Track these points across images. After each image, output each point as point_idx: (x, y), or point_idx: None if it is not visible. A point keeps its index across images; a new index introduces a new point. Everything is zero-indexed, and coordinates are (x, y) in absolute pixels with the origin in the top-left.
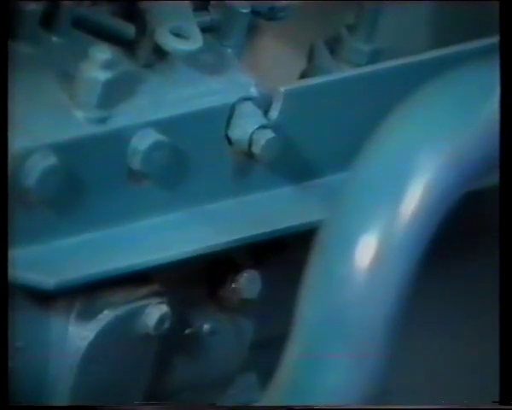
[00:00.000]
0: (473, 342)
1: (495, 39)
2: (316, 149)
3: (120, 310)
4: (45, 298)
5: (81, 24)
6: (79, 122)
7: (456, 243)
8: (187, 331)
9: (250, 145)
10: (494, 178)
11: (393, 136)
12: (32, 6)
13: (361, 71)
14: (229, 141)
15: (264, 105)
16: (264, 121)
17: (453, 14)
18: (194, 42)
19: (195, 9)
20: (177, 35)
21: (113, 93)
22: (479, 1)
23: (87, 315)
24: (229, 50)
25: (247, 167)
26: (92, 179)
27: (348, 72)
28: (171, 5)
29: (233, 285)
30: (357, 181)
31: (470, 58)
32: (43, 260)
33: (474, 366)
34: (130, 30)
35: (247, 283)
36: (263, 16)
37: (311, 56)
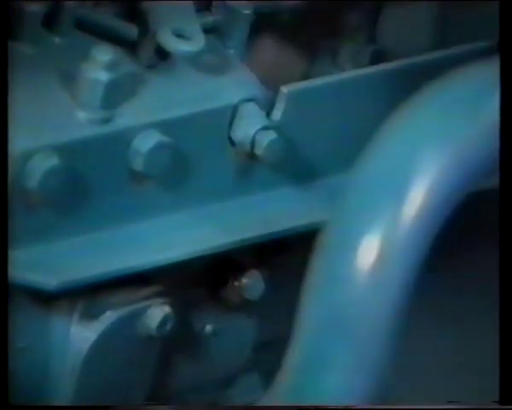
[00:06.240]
0: (473, 342)
1: (495, 40)
2: (318, 149)
3: (123, 311)
4: (47, 299)
5: (83, 25)
6: (82, 123)
7: (457, 243)
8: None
9: (253, 146)
10: (494, 179)
11: (396, 137)
12: (34, 7)
13: (363, 72)
14: (232, 142)
15: (267, 106)
16: (266, 122)
17: (454, 15)
18: (197, 43)
19: (198, 10)
20: (180, 36)
21: (116, 94)
22: (479, 1)
23: (89, 316)
24: (232, 51)
25: (249, 168)
26: (94, 180)
27: (350, 73)
28: (173, 6)
29: (235, 286)
30: (359, 182)
31: (471, 59)
32: (45, 261)
33: (474, 366)
34: (132, 31)
35: (250, 283)
36: (265, 17)
37: (313, 57)
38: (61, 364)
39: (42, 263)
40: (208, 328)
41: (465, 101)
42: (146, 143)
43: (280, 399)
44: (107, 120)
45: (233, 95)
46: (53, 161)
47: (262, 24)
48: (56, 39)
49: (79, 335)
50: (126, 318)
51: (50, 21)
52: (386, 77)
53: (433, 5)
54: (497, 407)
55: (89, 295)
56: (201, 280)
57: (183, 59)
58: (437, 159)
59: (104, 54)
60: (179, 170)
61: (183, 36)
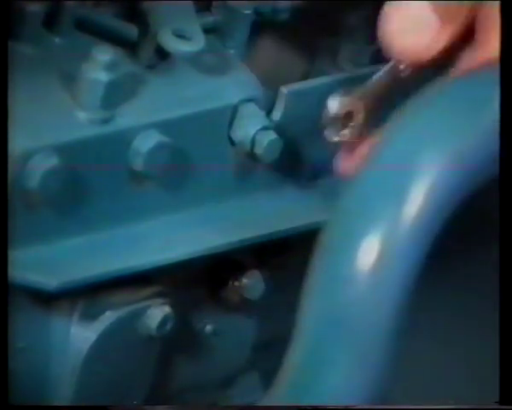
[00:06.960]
0: (473, 343)
1: None
2: (318, 149)
3: (123, 311)
4: (47, 299)
5: (83, 25)
6: (82, 123)
7: (457, 243)
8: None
9: (253, 146)
10: (494, 179)
11: (397, 137)
12: (35, 7)
13: (363, 71)
14: (232, 142)
15: (267, 106)
16: (266, 122)
17: None
18: (197, 43)
19: (198, 10)
20: (180, 36)
21: (116, 94)
22: (479, 1)
23: (89, 316)
24: (232, 51)
25: (249, 168)
26: (94, 180)
27: (350, 72)
28: (173, 6)
29: (235, 286)
30: (360, 182)
31: None
32: (45, 261)
33: (474, 366)
34: (132, 31)
35: (250, 283)
36: (265, 17)
37: (313, 57)
38: (61, 364)
39: (42, 263)
40: (208, 328)
41: (466, 102)
42: (146, 143)
43: (280, 399)
44: (107, 120)
45: (233, 95)
46: (53, 161)
47: (262, 24)
48: (57, 40)
49: (79, 335)
50: (126, 318)
51: (51, 21)
52: None
53: None
54: (497, 407)
55: (89, 295)
56: (201, 280)
57: (183, 59)
58: (438, 160)
59: (104, 54)
60: (179, 170)
61: (183, 36)
